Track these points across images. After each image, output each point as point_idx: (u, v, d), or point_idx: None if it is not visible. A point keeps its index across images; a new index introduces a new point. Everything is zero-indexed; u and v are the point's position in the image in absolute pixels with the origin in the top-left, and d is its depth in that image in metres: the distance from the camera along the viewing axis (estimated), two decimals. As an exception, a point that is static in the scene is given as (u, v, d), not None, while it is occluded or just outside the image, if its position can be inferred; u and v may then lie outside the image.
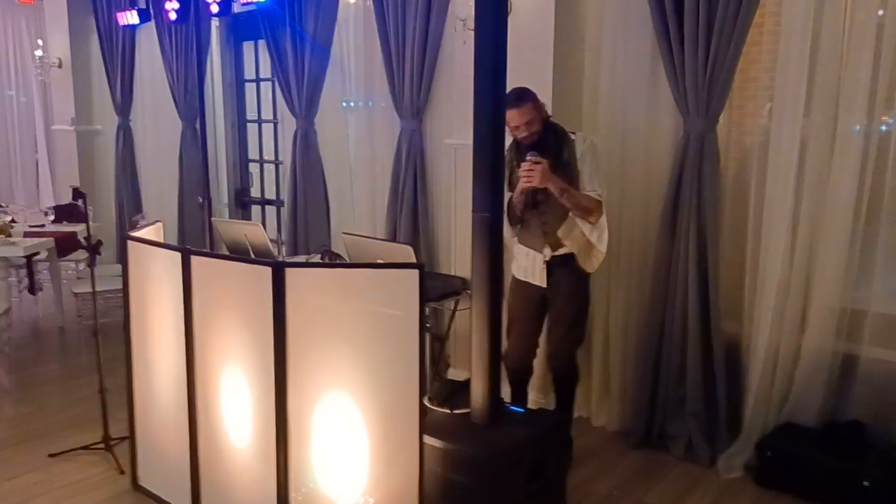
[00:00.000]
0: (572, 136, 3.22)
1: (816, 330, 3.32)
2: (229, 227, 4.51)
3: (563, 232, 3.20)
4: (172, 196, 6.75)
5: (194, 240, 6.29)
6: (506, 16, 2.76)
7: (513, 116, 3.07)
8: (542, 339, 3.54)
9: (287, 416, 2.62)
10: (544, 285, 3.33)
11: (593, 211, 3.15)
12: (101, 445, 3.62)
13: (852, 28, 3.14)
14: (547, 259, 3.31)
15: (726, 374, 3.52)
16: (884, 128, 3.17)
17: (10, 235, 5.15)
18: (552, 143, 3.17)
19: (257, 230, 4.14)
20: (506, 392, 3.55)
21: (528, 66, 3.45)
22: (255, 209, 6.63)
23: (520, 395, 3.56)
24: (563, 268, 3.30)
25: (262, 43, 5.77)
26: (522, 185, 3.10)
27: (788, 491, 3.27)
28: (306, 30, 5.05)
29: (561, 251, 3.27)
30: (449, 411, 2.98)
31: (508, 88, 2.84)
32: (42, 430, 3.97)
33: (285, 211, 5.57)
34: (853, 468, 3.08)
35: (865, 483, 3.02)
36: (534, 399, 3.91)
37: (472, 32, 2.75)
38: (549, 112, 3.29)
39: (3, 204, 6.77)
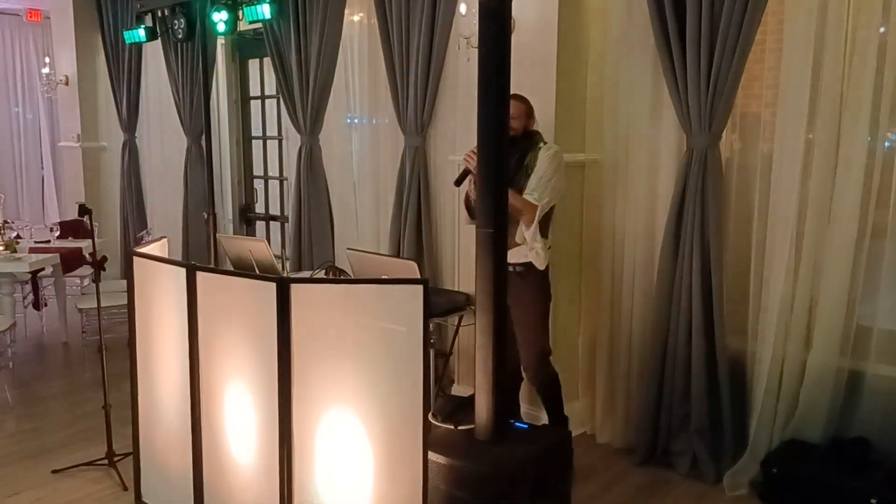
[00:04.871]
0: (541, 146, 3.36)
1: (822, 346, 3.31)
2: (234, 242, 4.52)
3: (516, 234, 3.33)
4: (177, 212, 6.77)
5: (199, 256, 6.32)
6: (509, 33, 2.77)
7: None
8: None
9: (291, 431, 2.61)
10: None
11: (522, 212, 3.29)
12: (105, 461, 3.62)
13: (854, 45, 3.15)
14: None
15: (731, 390, 3.51)
16: (887, 144, 3.18)
17: (15, 251, 5.17)
18: (522, 146, 3.35)
19: (262, 246, 4.15)
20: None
21: (531, 83, 3.48)
22: (260, 225, 6.65)
23: (510, 404, 3.56)
24: (521, 278, 3.38)
25: (267, 60, 5.82)
26: (462, 162, 3.35)
27: (794, 508, 3.25)
28: (311, 47, 5.09)
29: (516, 259, 3.34)
30: (453, 427, 2.97)
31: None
32: (45, 445, 3.97)
33: (290, 227, 5.58)
34: (859, 485, 3.05)
35: (872, 500, 2.99)
36: (525, 410, 3.95)
37: (476, 50, 2.77)
38: (538, 129, 3.48)
39: (8, 220, 6.79)
